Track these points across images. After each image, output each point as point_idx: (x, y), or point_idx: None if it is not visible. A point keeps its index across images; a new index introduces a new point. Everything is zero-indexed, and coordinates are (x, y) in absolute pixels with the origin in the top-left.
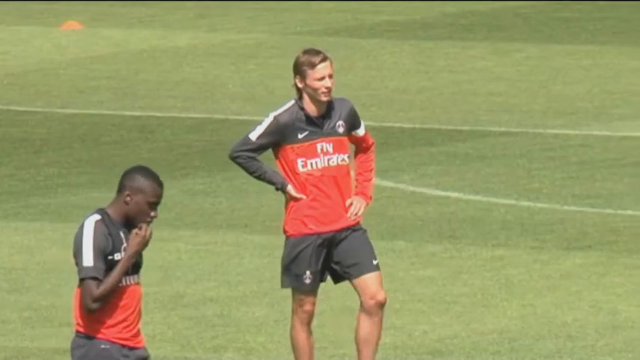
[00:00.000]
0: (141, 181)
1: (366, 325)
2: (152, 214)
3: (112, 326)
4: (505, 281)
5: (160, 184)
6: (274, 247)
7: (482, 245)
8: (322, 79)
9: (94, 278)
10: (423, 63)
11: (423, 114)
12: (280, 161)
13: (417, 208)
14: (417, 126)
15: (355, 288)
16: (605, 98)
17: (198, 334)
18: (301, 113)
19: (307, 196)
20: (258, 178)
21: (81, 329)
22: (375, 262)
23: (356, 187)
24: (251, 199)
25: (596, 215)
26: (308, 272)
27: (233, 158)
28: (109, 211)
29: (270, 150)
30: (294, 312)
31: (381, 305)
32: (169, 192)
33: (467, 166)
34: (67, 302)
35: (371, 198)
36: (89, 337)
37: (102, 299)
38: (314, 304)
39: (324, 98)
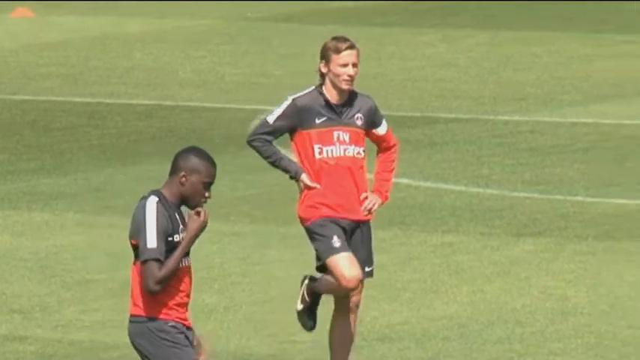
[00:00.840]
0: (196, 162)
1: (339, 325)
2: (206, 194)
3: (173, 307)
4: (455, 267)
5: (214, 165)
6: (224, 233)
7: (432, 231)
8: (345, 65)
9: (157, 260)
10: (373, 49)
11: (376, 100)
12: (296, 147)
13: None
14: None
15: None
16: (555, 85)
17: None
18: (321, 98)
19: (321, 185)
20: (273, 164)
21: (141, 312)
22: (367, 269)
23: (373, 184)
24: None
25: (545, 201)
26: (335, 236)
27: (249, 142)
28: (165, 193)
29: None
30: (335, 279)
31: (352, 309)
32: (120, 178)
33: (417, 153)
34: (18, 289)
35: (387, 198)
36: (151, 319)
37: (164, 281)
38: (358, 278)
39: (344, 86)
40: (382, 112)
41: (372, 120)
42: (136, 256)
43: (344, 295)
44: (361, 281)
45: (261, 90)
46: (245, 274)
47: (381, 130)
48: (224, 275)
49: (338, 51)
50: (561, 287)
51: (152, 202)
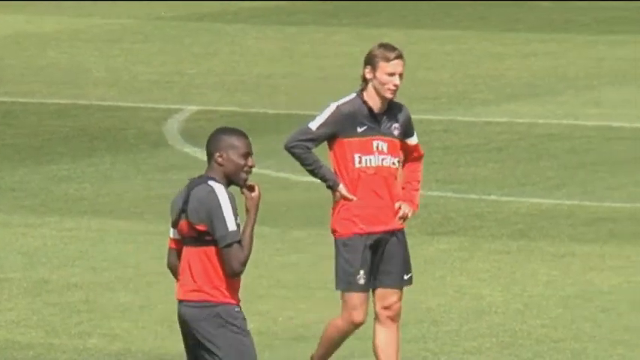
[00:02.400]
0: (226, 138)
1: (382, 333)
2: (249, 164)
3: (236, 292)
4: None
5: (245, 134)
6: (138, 232)
7: None
8: (393, 75)
9: (239, 242)
10: (287, 48)
11: (288, 99)
12: (334, 155)
13: (282, 194)
14: (281, 111)
15: (373, 295)
16: (468, 83)
17: (63, 320)
18: (363, 106)
19: (358, 195)
20: (312, 172)
21: (208, 297)
22: (406, 277)
23: (403, 193)
24: (116, 185)
25: (459, 200)
26: (362, 272)
27: (289, 148)
28: (216, 178)
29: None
30: (342, 314)
31: (394, 317)
32: (33, 177)
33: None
34: None
35: (417, 207)
36: (220, 305)
37: (247, 262)
38: (365, 313)
39: (389, 95)
40: (296, 111)
41: (407, 129)
42: (199, 242)
43: (346, 335)
44: (401, 289)
45: (175, 89)
46: (160, 274)
47: (414, 140)
48: (139, 274)
49: (387, 59)
50: (476, 286)
51: (221, 187)
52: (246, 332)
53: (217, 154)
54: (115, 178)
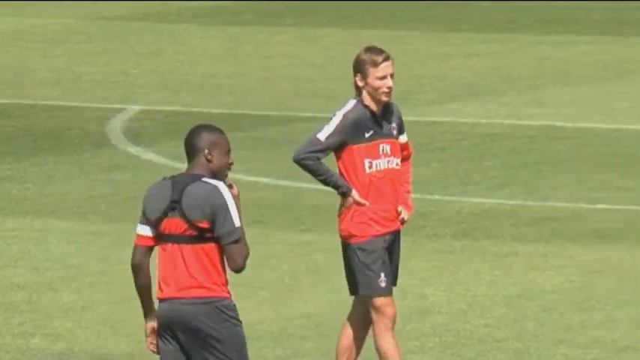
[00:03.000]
0: (210, 136)
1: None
2: (231, 159)
3: (229, 286)
4: (313, 266)
5: (224, 131)
6: (81, 233)
7: (291, 230)
8: (384, 78)
9: (242, 238)
10: (231, 48)
11: (232, 99)
12: (343, 163)
13: None
14: (225, 111)
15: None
16: (412, 83)
17: (6, 321)
18: (366, 111)
19: (370, 200)
20: (324, 181)
21: (210, 293)
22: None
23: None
24: (59, 185)
25: None
26: (382, 274)
27: (300, 160)
28: (205, 175)
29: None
30: (375, 321)
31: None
32: None
33: (275, 152)
34: None
35: (412, 209)
36: (221, 299)
37: (248, 257)
38: (394, 306)
39: (384, 98)
40: (240, 111)
41: (400, 127)
42: (199, 239)
43: (393, 335)
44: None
45: (119, 89)
46: (103, 274)
47: (404, 137)
48: (82, 275)
49: (375, 64)
50: (419, 286)
51: (222, 185)
52: (241, 324)
53: (206, 151)
54: (58, 178)
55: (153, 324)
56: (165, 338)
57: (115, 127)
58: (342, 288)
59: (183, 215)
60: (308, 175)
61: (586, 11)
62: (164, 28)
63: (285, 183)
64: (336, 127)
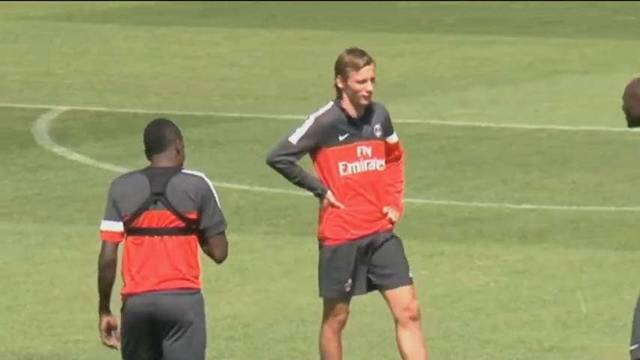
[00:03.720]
0: (176, 129)
1: (407, 339)
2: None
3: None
4: (239, 266)
5: None
6: (7, 233)
7: None
8: (364, 81)
9: None
10: (156, 48)
11: (158, 99)
12: (319, 165)
13: None
14: (151, 112)
15: (387, 299)
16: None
17: None
18: (342, 114)
19: (346, 202)
20: (298, 183)
21: (194, 285)
22: (410, 275)
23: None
24: None
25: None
26: (350, 280)
27: (272, 163)
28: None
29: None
30: (325, 321)
31: (415, 317)
32: None
33: (200, 152)
34: None
35: (402, 210)
36: (200, 291)
37: None
38: (348, 312)
39: (363, 102)
40: (165, 111)
41: (387, 128)
42: (186, 231)
43: (338, 339)
44: (412, 285)
45: (44, 89)
46: (29, 274)
47: (393, 138)
48: (7, 275)
49: (356, 67)
50: None
51: (205, 177)
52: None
53: (177, 142)
54: None
55: (110, 319)
56: (137, 331)
57: (41, 127)
58: (268, 288)
59: (171, 207)
60: (234, 176)
61: (509, 11)
62: (90, 28)
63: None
64: (308, 130)
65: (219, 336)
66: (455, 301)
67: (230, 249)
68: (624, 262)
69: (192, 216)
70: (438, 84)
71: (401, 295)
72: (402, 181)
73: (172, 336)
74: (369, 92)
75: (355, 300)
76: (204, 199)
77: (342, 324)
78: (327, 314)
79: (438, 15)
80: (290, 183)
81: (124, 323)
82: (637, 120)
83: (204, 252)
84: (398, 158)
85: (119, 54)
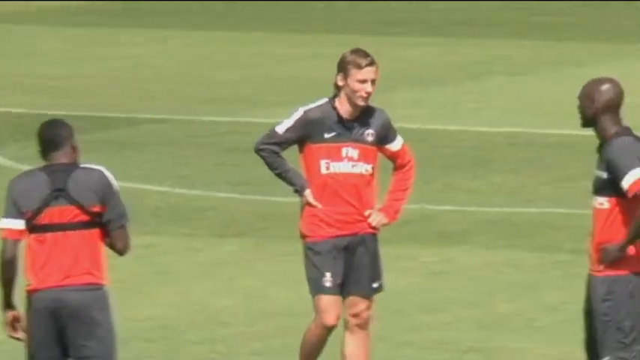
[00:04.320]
0: (70, 127)
1: (350, 344)
2: None
3: None
4: (158, 268)
5: None
6: None
7: (135, 233)
8: (365, 82)
9: None
10: (73, 50)
11: (75, 101)
12: (304, 160)
13: None
14: (67, 113)
15: (344, 302)
16: (255, 85)
17: None
18: (333, 112)
19: (325, 202)
20: (279, 175)
21: (101, 280)
22: (375, 285)
23: (384, 202)
24: None
25: (247, 202)
26: (328, 274)
27: (257, 151)
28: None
29: (288, 148)
30: (315, 322)
31: (362, 325)
32: None
33: (119, 153)
34: None
35: (395, 218)
36: (102, 287)
37: None
38: (337, 317)
39: (360, 102)
40: (84, 112)
41: (385, 135)
42: (91, 225)
43: (322, 339)
44: (369, 297)
45: None
46: None
47: (395, 145)
48: None
49: (359, 67)
50: (263, 287)
51: (105, 170)
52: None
53: (73, 139)
54: None
55: (15, 312)
56: (42, 328)
57: None
58: (186, 290)
59: (74, 202)
60: (152, 178)
61: (433, 12)
62: (8, 29)
63: (129, 185)
64: (294, 123)
65: (137, 338)
66: (375, 302)
67: (149, 251)
68: (544, 264)
69: (96, 209)
70: None
71: (355, 301)
72: (404, 190)
73: (78, 332)
74: (368, 93)
75: (273, 302)
76: (106, 192)
77: (329, 331)
78: (316, 312)
79: (354, 16)
80: (214, 184)
81: (29, 320)
82: (590, 121)
83: (107, 245)
84: (402, 166)
85: (37, 55)
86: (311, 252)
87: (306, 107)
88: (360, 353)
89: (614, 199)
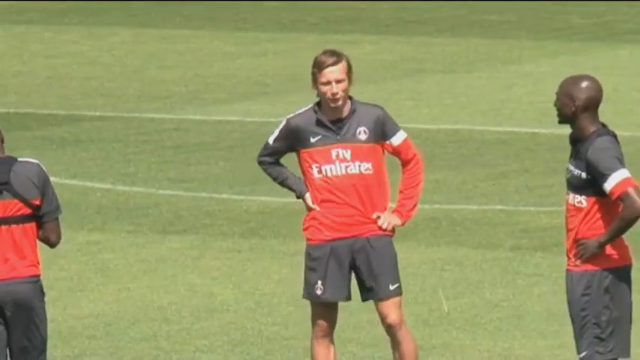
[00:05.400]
0: None
1: (396, 348)
2: None
3: None
4: (101, 265)
5: None
6: None
7: (79, 229)
8: (328, 83)
9: None
10: (16, 47)
11: (18, 98)
12: (300, 166)
13: None
14: (11, 110)
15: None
16: (199, 82)
17: None
18: (314, 117)
19: (323, 205)
20: (281, 184)
21: (38, 271)
22: (392, 288)
23: (396, 204)
24: None
25: (191, 199)
26: (320, 282)
27: (259, 164)
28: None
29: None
30: (312, 324)
31: (393, 326)
32: None
33: (63, 151)
34: None
35: (409, 217)
36: (39, 278)
37: None
38: (330, 319)
39: (332, 104)
40: (26, 110)
41: (382, 131)
42: (31, 217)
43: (322, 346)
44: (388, 300)
45: None
46: None
47: (395, 141)
48: None
49: (320, 69)
50: (207, 284)
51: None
52: None
53: (1, 134)
54: None
55: None
56: None
57: None
58: (130, 287)
59: (18, 195)
60: (96, 175)
61: (371, 11)
62: None
63: (73, 182)
64: (280, 132)
65: (80, 334)
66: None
67: (92, 248)
68: (485, 261)
69: (37, 202)
70: (301, 83)
71: (380, 306)
72: (414, 186)
73: (21, 323)
74: (334, 94)
75: (217, 299)
76: (44, 185)
77: (324, 330)
78: (312, 317)
79: (300, 14)
80: (157, 181)
81: None
82: (569, 118)
83: (39, 237)
84: (408, 162)
85: None
86: (308, 256)
87: (290, 115)
88: (409, 349)
89: (593, 199)
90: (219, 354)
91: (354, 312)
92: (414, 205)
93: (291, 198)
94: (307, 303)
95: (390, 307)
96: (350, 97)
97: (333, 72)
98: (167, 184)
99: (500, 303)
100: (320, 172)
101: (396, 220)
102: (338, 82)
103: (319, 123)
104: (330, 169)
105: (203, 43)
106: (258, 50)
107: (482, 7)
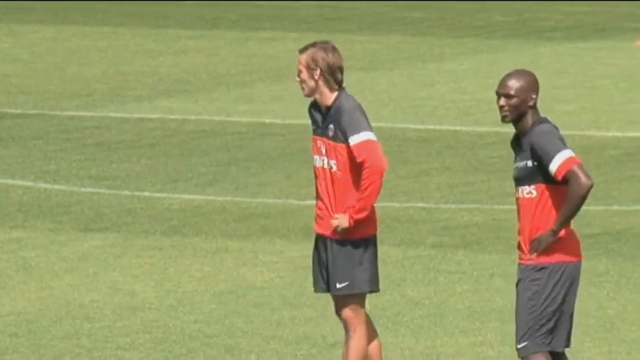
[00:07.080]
0: None
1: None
2: None
3: None
4: (22, 263)
5: None
6: None
7: (0, 227)
8: (298, 74)
9: None
10: None
11: None
12: None
13: None
14: None
15: None
16: (120, 80)
17: None
18: (314, 105)
19: (318, 195)
20: None
21: None
22: (339, 286)
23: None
24: None
25: (112, 197)
26: (312, 275)
27: None
28: None
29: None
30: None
31: (343, 321)
32: None
33: None
34: None
35: (352, 219)
36: None
37: None
38: (339, 312)
39: (302, 93)
40: None
41: (343, 130)
42: None
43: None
44: (338, 298)
45: None
46: None
47: (351, 141)
48: None
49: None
50: (129, 282)
51: None
52: None
53: None
54: None
55: None
56: None
57: None
58: (51, 285)
59: None
60: (17, 172)
61: (292, 9)
62: None
63: None
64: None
65: (2, 332)
66: (239, 297)
67: (13, 245)
68: (407, 258)
69: None
70: (222, 80)
71: (335, 304)
72: (361, 190)
73: None
74: (300, 83)
75: (139, 296)
76: None
77: (344, 322)
78: None
79: (220, 12)
80: (78, 179)
81: None
82: (522, 115)
83: None
84: (361, 165)
85: None
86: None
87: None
88: (346, 355)
89: (542, 186)
90: (141, 352)
91: (275, 310)
92: (359, 209)
93: (213, 196)
94: (229, 300)
95: (338, 304)
96: (341, 90)
97: (298, 62)
98: (88, 181)
99: (422, 301)
100: (314, 160)
101: (344, 222)
102: (299, 73)
103: (318, 112)
104: (315, 160)
105: (124, 40)
106: (179, 47)
107: (404, 4)
